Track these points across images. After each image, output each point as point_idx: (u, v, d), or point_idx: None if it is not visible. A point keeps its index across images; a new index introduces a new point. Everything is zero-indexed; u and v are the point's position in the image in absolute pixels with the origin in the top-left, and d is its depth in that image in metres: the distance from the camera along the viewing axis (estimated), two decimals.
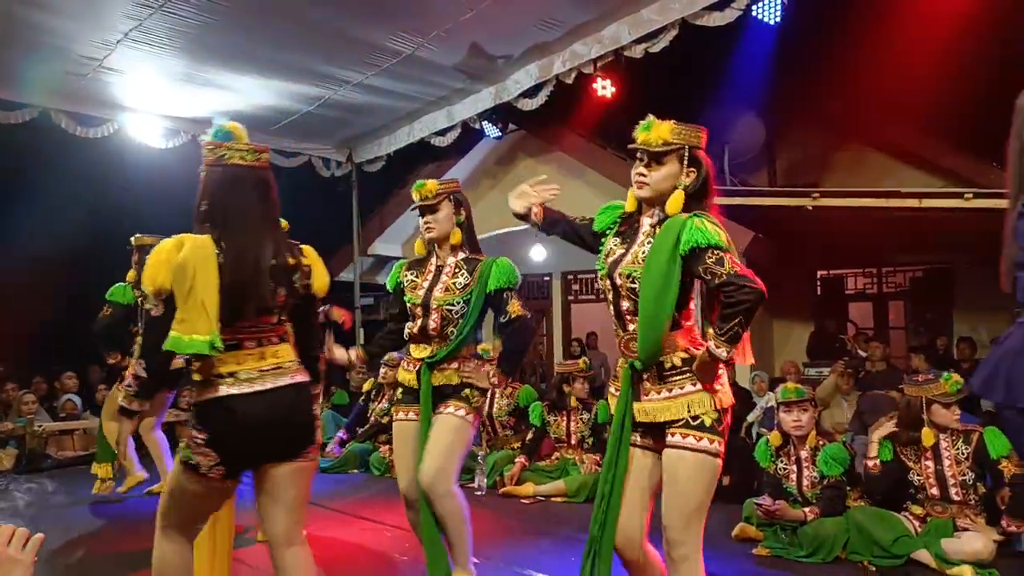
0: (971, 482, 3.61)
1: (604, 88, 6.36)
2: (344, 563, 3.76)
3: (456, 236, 3.00)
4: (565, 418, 5.55)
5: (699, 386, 2.16)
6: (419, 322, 2.96)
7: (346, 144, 8.55)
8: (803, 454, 3.97)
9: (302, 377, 2.30)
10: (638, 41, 5.55)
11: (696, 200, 2.20)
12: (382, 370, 6.74)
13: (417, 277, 3.04)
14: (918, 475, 3.71)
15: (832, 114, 8.78)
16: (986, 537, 3.46)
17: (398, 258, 10.27)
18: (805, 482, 3.93)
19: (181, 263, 2.11)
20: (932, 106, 7.64)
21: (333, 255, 9.94)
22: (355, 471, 6.29)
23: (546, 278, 10.42)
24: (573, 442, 5.51)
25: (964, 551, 3.42)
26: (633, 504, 2.25)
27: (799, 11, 5.56)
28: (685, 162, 2.19)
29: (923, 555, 3.50)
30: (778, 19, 5.34)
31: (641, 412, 2.22)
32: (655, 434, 2.25)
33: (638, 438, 2.28)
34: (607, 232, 2.38)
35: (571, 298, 10.39)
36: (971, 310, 7.97)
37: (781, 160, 9.66)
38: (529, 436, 5.67)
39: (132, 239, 4.97)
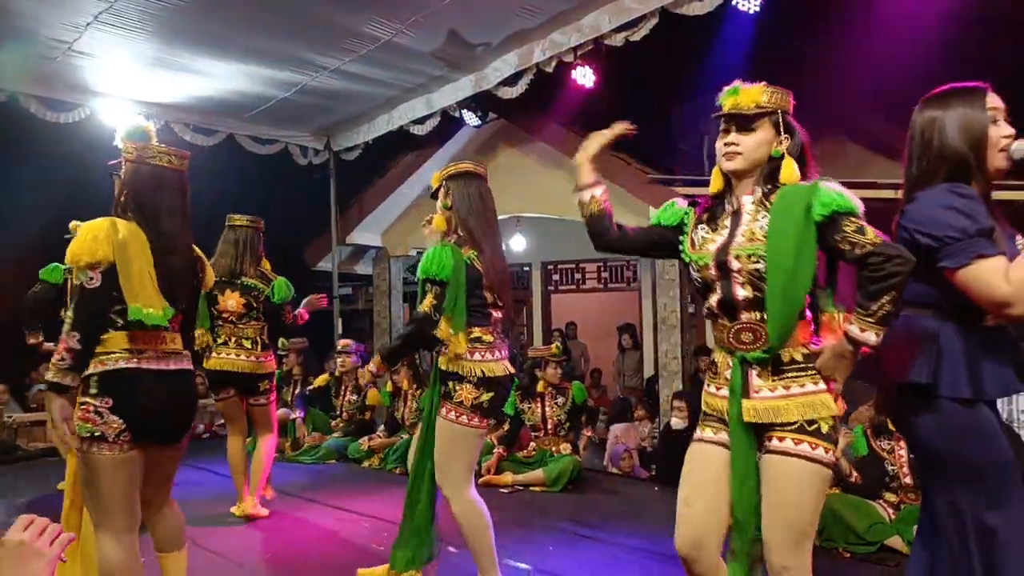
0: None
1: (584, 77, 6.32)
2: (321, 553, 3.74)
3: (440, 223, 3.03)
4: (539, 404, 5.54)
5: (821, 386, 1.91)
6: None
7: (323, 131, 8.44)
8: None
9: (189, 365, 2.48)
10: (618, 30, 5.52)
11: (801, 169, 2.00)
12: (338, 359, 6.74)
13: None
14: (892, 464, 3.75)
15: (810, 105, 8.82)
16: None
17: (378, 247, 10.26)
18: None
19: (122, 241, 2.25)
20: (908, 98, 7.71)
21: (311, 244, 9.85)
22: (333, 462, 6.27)
23: (526, 268, 10.41)
24: (549, 428, 5.51)
25: None
26: (710, 508, 1.99)
27: (778, 1, 5.56)
28: (780, 127, 1.99)
29: (896, 541, 3.56)
30: (757, 8, 5.33)
31: (750, 411, 1.94)
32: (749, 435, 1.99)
33: (711, 433, 2.05)
34: (683, 225, 2.14)
35: (551, 288, 10.39)
36: None
37: None
38: (506, 426, 5.67)
39: (71, 225, 4.82)
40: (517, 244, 9.80)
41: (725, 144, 2.01)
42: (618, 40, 5.57)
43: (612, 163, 7.25)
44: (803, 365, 1.93)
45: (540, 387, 5.55)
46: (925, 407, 1.84)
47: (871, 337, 1.80)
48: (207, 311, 4.25)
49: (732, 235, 2.00)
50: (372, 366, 2.94)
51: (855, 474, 3.83)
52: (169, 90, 6.78)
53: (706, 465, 2.03)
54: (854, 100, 8.34)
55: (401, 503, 2.96)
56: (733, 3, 5.21)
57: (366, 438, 6.19)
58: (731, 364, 2.00)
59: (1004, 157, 1.88)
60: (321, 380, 6.79)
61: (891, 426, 3.73)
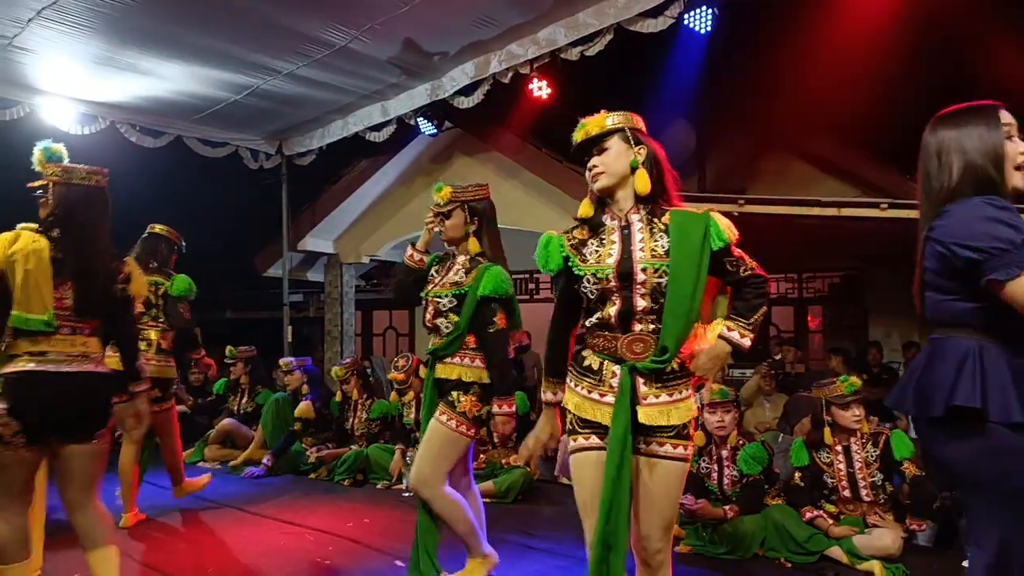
0: (880, 483, 3.78)
1: (540, 89, 6.38)
2: (264, 568, 3.65)
3: (473, 245, 3.10)
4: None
5: (686, 392, 2.16)
6: (425, 314, 3.12)
7: (276, 136, 8.30)
8: (724, 453, 4.07)
9: (104, 369, 2.68)
10: (574, 44, 5.59)
11: (659, 177, 2.19)
12: (285, 379, 6.63)
13: (437, 273, 3.16)
14: (831, 477, 3.85)
15: (759, 124, 9.07)
16: (894, 534, 3.62)
17: (330, 254, 10.13)
18: (726, 481, 4.03)
19: (14, 251, 2.52)
20: (851, 119, 7.99)
21: (261, 250, 9.66)
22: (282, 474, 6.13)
23: None
24: (497, 442, 5.51)
25: (874, 547, 3.57)
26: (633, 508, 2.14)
27: (729, 22, 5.70)
28: (630, 140, 2.18)
29: (836, 551, 3.65)
30: (709, 29, 5.45)
31: (643, 416, 2.11)
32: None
33: (596, 440, 2.16)
34: (568, 254, 2.25)
35: (526, 297, 10.40)
36: (885, 314, 8.36)
37: (711, 167, 9.92)
38: None
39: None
40: None
41: (589, 170, 2.22)
42: (574, 54, 5.63)
43: (565, 174, 7.33)
44: (679, 373, 2.16)
45: None
46: (971, 432, 1.73)
47: (747, 342, 2.12)
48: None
49: (629, 249, 2.15)
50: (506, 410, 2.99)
51: (797, 474, 3.92)
52: (115, 90, 6.59)
53: (594, 474, 2.13)
54: (801, 120, 8.60)
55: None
56: (685, 22, 5.32)
57: (314, 448, 6.08)
58: (618, 372, 2.13)
59: (1021, 176, 1.83)
60: (304, 410, 6.11)
61: (827, 440, 3.84)
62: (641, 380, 2.12)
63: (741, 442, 4.05)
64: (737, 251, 2.15)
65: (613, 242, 2.18)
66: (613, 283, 2.12)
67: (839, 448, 3.84)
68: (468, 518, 3.06)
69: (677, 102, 8.05)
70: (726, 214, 6.72)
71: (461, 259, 3.10)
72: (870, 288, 8.66)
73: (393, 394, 5.85)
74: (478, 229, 3.09)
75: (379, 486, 5.50)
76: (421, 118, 7.32)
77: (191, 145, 7.71)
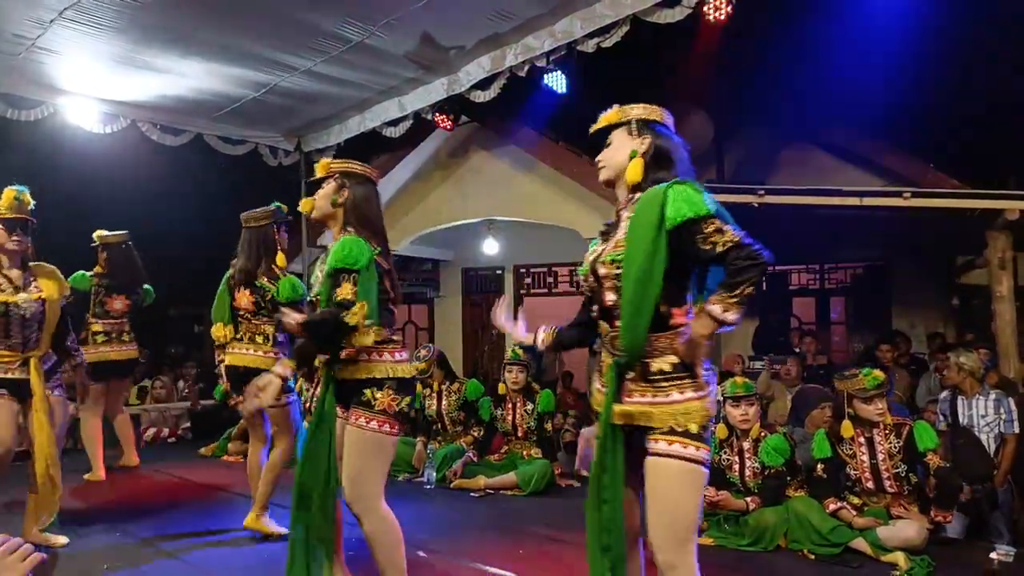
0: (903, 474, 3.74)
1: (557, 82, 6.35)
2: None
3: (336, 216, 2.73)
4: (511, 411, 5.55)
5: (688, 394, 1.98)
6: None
7: (294, 132, 8.35)
8: (745, 445, 4.05)
9: None
10: (590, 36, 5.55)
11: (663, 168, 2.07)
12: None
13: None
14: (854, 469, 3.82)
15: (778, 113, 8.97)
16: (918, 525, 3.59)
17: None
18: (747, 472, 4.01)
19: None
20: (873, 107, 7.88)
21: None
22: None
23: (499, 271, 10.41)
24: (520, 434, 5.52)
25: (898, 538, 3.54)
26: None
27: (747, 11, 5.64)
28: (634, 132, 2.14)
29: (860, 543, 3.62)
30: (726, 17, 5.39)
31: (620, 415, 2.04)
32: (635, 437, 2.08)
33: None
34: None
35: (523, 291, 10.40)
36: (909, 306, 8.25)
37: (729, 157, 9.83)
38: (480, 433, 5.67)
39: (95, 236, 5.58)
40: (490, 247, 9.79)
41: (595, 163, 2.23)
42: (590, 46, 5.60)
43: (582, 168, 7.30)
44: (671, 375, 2.00)
45: (501, 390, 5.56)
46: None
47: (731, 316, 1.86)
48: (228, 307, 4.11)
49: (606, 246, 2.14)
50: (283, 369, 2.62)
51: (820, 466, 3.89)
52: (136, 88, 6.66)
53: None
54: (822, 108, 8.50)
55: None
56: (703, 12, 5.27)
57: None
58: (607, 367, 2.11)
59: None
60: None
61: (845, 433, 3.81)
62: (628, 377, 2.05)
63: (763, 434, 4.04)
64: (710, 223, 1.89)
65: (608, 238, 2.19)
66: (592, 280, 2.14)
67: (862, 439, 3.81)
68: (402, 550, 2.67)
69: (695, 93, 7.99)
70: (745, 205, 6.67)
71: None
72: (894, 279, 8.54)
73: (417, 385, 5.88)
74: (349, 200, 2.71)
75: (400, 479, 5.54)
76: (438, 113, 7.33)
77: (211, 143, 7.77)
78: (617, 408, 2.04)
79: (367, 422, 2.58)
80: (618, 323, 2.02)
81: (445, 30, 5.82)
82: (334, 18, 5.48)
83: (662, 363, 2.00)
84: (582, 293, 2.30)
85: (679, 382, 2.00)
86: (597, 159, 2.22)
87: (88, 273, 5.50)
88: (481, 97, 6.49)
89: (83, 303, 5.33)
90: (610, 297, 2.06)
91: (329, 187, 2.73)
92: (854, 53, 7.04)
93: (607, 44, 5.49)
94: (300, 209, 2.83)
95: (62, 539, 3.80)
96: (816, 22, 7.15)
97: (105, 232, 5.63)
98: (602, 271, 2.07)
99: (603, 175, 2.20)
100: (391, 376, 2.62)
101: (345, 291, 2.49)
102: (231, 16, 5.41)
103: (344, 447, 2.63)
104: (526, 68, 6.08)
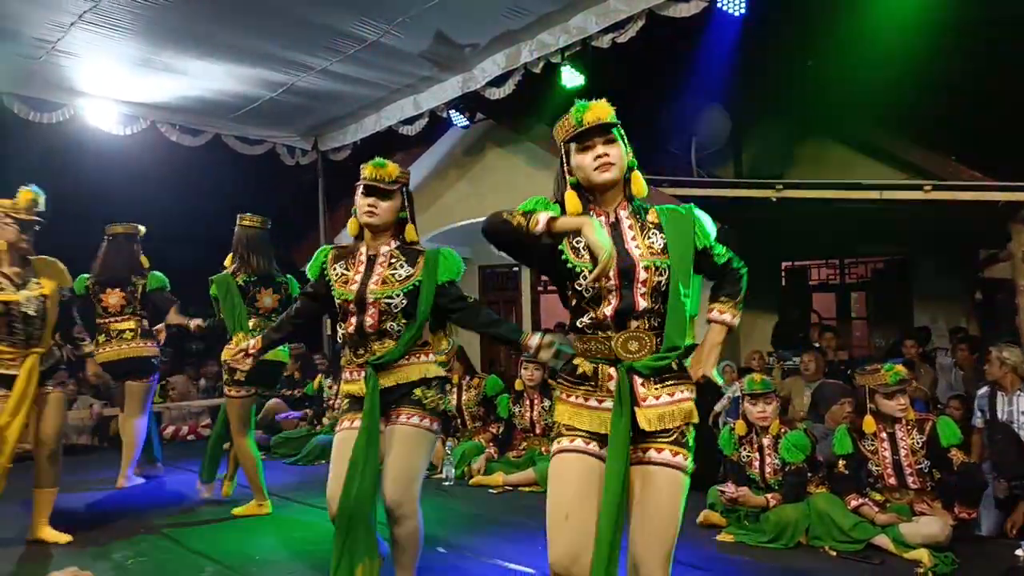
0: (926, 470, 3.70)
1: (572, 78, 6.33)
2: (307, 554, 3.72)
3: (409, 230, 2.79)
4: (529, 407, 5.56)
5: (687, 394, 2.01)
6: (354, 320, 2.62)
7: (311, 132, 8.41)
8: (766, 442, 4.02)
9: None
10: (605, 31, 5.54)
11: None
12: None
13: (348, 270, 2.69)
14: (876, 465, 3.78)
15: (795, 107, 8.89)
16: (942, 521, 3.54)
17: None
18: (768, 469, 3.99)
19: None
20: (892, 100, 7.79)
21: (299, 245, 9.79)
22: (323, 462, 6.23)
23: (515, 269, 10.40)
24: (539, 431, 5.52)
25: (921, 534, 3.50)
26: (587, 522, 1.92)
27: (763, 4, 5.60)
28: (624, 138, 2.07)
29: (882, 540, 3.58)
30: (743, 12, 5.36)
31: (644, 420, 1.95)
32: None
33: (581, 443, 2.00)
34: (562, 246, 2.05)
35: (540, 289, 10.39)
36: (931, 300, 8.15)
37: (747, 152, 9.75)
38: (500, 429, 5.68)
39: (106, 228, 5.24)
40: None
41: (596, 157, 2.01)
42: (605, 42, 5.58)
43: None
44: (678, 373, 2.03)
45: (518, 386, 5.57)
46: None
47: (737, 321, 2.09)
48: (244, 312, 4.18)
49: (624, 247, 2.00)
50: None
51: (841, 462, 3.86)
52: (155, 90, 6.74)
53: (580, 476, 1.97)
54: (839, 101, 8.41)
55: None
56: (719, 5, 5.24)
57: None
58: (614, 375, 1.97)
59: None
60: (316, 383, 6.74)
61: (867, 429, 3.77)
62: (640, 381, 1.97)
63: (783, 430, 4.01)
64: (717, 244, 2.12)
65: (612, 239, 2.04)
66: (612, 280, 1.97)
67: (884, 435, 3.77)
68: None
69: (711, 88, 7.94)
70: (764, 200, 6.63)
71: (387, 249, 2.71)
72: (916, 273, 8.44)
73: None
74: (409, 215, 2.78)
75: None
76: (453, 110, 7.34)
77: (229, 143, 7.85)
78: (649, 413, 1.95)
79: (420, 420, 2.62)
80: (635, 324, 1.97)
81: (460, 27, 5.83)
82: (349, 17, 5.51)
83: (672, 363, 2.01)
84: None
85: (684, 380, 2.04)
86: (604, 152, 2.00)
87: (85, 275, 5.11)
88: (496, 94, 6.50)
89: (89, 305, 5.06)
90: (643, 303, 1.97)
91: (397, 200, 2.75)
92: (872, 46, 6.96)
93: (622, 40, 5.48)
94: (362, 220, 2.72)
95: (65, 536, 3.86)
96: (832, 12, 7.08)
97: (115, 224, 5.33)
98: (643, 276, 1.97)
99: (613, 174, 2.01)
100: (440, 376, 2.71)
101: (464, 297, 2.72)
102: (248, 17, 5.46)
103: (390, 448, 2.61)
104: (541, 65, 6.08)
